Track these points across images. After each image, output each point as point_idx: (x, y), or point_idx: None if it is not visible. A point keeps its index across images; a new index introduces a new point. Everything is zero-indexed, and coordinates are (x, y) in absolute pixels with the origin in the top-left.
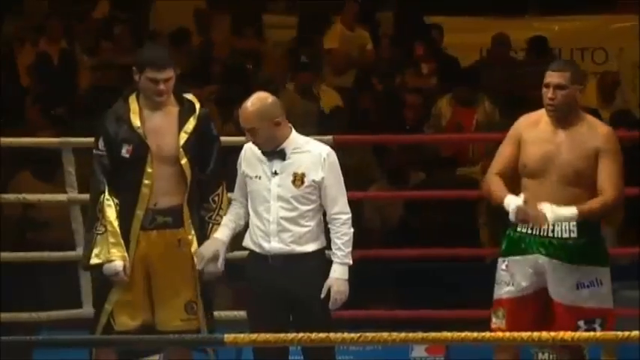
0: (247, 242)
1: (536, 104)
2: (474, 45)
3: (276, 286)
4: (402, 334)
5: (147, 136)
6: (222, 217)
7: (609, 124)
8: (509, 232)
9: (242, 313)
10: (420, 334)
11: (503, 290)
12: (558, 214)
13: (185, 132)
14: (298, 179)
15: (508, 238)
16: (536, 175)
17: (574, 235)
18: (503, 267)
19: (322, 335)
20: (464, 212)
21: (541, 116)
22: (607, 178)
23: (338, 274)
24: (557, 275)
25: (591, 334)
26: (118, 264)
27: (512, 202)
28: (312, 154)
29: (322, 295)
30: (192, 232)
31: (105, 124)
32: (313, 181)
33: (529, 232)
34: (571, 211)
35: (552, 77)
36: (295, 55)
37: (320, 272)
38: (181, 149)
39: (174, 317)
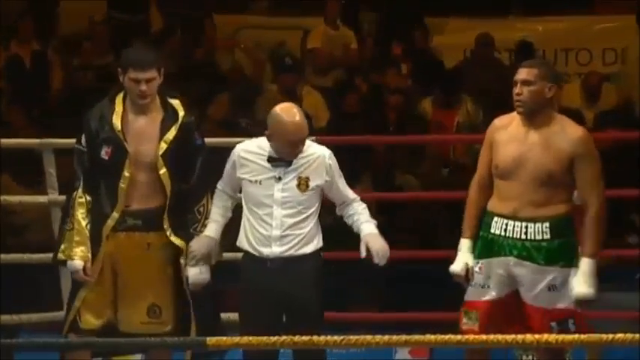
0: (243, 244)
1: None
2: (458, 45)
3: (274, 288)
4: (386, 337)
5: (127, 140)
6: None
7: (595, 124)
8: (482, 233)
9: (230, 315)
10: (403, 337)
11: (479, 292)
12: (587, 290)
13: (165, 141)
14: (303, 183)
15: (482, 240)
16: (508, 176)
17: (547, 236)
18: (477, 269)
19: (305, 338)
20: (456, 212)
21: (514, 117)
22: (589, 186)
23: (370, 229)
24: (529, 277)
25: (576, 336)
26: (78, 263)
27: (461, 258)
28: (315, 158)
29: (363, 255)
30: (175, 239)
31: (89, 120)
32: (317, 185)
33: (502, 234)
34: (590, 267)
35: (520, 73)
36: (279, 57)
37: (317, 273)
38: (160, 158)
39: (135, 319)
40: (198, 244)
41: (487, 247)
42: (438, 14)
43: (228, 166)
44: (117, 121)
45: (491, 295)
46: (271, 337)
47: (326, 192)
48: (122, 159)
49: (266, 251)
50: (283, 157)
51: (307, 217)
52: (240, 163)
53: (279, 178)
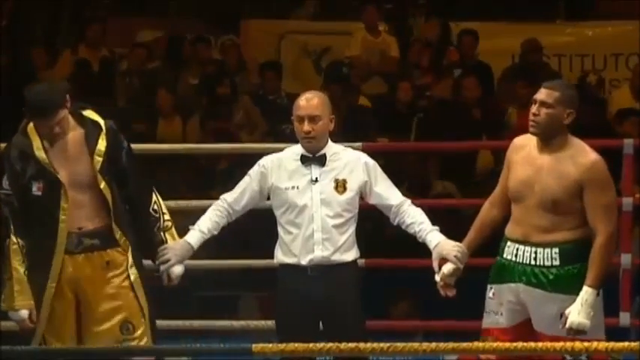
0: (281, 258)
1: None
2: (506, 50)
3: (314, 297)
4: (433, 344)
5: (56, 170)
6: (169, 221)
7: None
8: (498, 258)
9: (269, 323)
10: (450, 344)
11: (492, 319)
12: (580, 320)
13: (98, 155)
14: (340, 185)
15: (496, 265)
16: (518, 199)
17: (557, 262)
18: (491, 295)
19: (351, 345)
20: None
21: (531, 138)
22: (597, 215)
23: (440, 236)
24: (538, 305)
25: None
26: (23, 313)
27: (445, 266)
28: (350, 161)
29: (437, 273)
30: (129, 252)
31: (10, 160)
32: (354, 187)
33: (513, 259)
34: (589, 296)
35: (540, 93)
36: (335, 65)
37: (357, 282)
38: (98, 174)
39: (109, 340)
40: (174, 246)
41: (499, 272)
42: (486, 19)
43: (250, 178)
44: (40, 153)
45: (503, 323)
46: (317, 344)
47: (368, 197)
48: (57, 190)
49: (308, 257)
50: (305, 147)
51: (347, 222)
52: (271, 171)
53: (316, 180)
